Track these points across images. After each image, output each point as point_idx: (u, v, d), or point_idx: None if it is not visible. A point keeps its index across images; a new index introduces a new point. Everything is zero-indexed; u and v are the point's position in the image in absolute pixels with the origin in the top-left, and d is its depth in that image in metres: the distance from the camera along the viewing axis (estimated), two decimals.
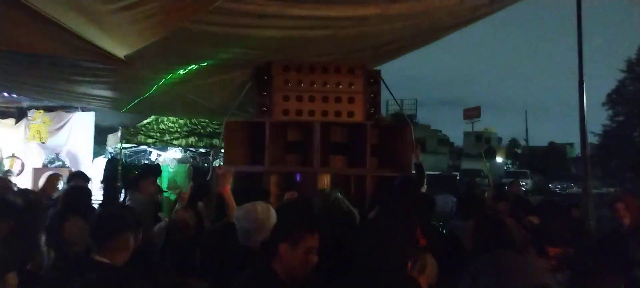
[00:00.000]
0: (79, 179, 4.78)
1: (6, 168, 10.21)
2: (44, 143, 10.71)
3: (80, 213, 3.42)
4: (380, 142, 5.91)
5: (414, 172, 5.62)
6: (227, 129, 5.79)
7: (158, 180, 6.31)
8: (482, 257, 2.33)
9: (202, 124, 10.21)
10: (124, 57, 3.83)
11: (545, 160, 46.63)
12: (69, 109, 10.68)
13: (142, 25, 3.00)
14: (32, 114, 10.64)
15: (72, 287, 2.37)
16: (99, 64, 4.28)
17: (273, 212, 3.26)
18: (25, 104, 10.41)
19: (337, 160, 5.91)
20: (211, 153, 6.43)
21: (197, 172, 8.25)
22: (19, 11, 2.82)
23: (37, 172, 9.71)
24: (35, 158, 10.73)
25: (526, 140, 58.26)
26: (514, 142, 63.22)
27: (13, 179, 9.70)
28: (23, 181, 9.59)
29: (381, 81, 5.95)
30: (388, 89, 6.00)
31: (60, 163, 10.50)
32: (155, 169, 5.56)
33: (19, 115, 10.95)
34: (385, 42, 5.58)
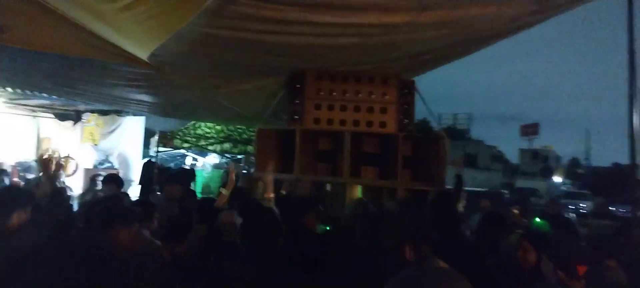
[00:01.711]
0: (112, 184, 4.92)
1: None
2: (96, 145, 11.19)
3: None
4: (414, 154, 5.75)
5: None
6: (259, 136, 5.83)
7: (192, 185, 6.42)
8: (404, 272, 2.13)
9: (239, 130, 10.35)
10: (150, 61, 3.91)
11: (608, 181, 44.03)
12: (121, 113, 11.11)
13: (147, 26, 3.05)
14: (86, 116, 11.15)
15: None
16: (131, 68, 4.41)
17: None
18: (81, 107, 10.92)
19: (368, 171, 5.80)
20: (242, 160, 6.49)
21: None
22: (43, 12, 2.93)
23: (87, 173, 10.16)
24: (87, 159, 11.23)
25: (587, 159, 55.38)
26: (574, 162, 60.22)
27: (65, 179, 10.24)
28: (74, 181, 10.06)
29: (416, 92, 5.79)
30: (422, 100, 5.84)
31: (109, 165, 10.93)
32: (186, 174, 5.65)
33: (76, 117, 11.51)
34: (420, 51, 5.43)
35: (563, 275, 2.80)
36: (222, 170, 10.78)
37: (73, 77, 5.22)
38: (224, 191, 4.23)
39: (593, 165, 53.21)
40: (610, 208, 27.47)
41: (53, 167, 3.94)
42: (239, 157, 11.01)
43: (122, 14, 2.97)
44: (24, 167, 10.13)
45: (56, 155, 4.45)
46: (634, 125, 5.18)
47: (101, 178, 5.33)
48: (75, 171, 11.07)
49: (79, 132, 11.40)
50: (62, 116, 11.50)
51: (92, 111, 11.15)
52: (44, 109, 11.08)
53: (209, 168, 10.68)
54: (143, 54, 3.72)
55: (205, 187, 9.71)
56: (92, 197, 4.55)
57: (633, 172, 5.58)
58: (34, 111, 11.14)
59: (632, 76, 5.28)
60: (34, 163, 10.43)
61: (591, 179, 46.63)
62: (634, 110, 5.26)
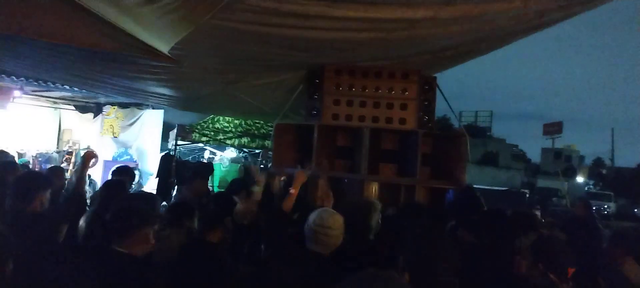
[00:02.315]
0: (123, 174, 4.95)
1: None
2: (116, 137, 11.34)
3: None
4: (434, 152, 5.65)
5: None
6: (277, 130, 5.79)
7: (210, 179, 6.44)
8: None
9: (257, 124, 10.34)
10: (170, 54, 3.90)
11: (632, 182, 43.08)
12: (140, 105, 11.23)
13: (168, 19, 3.02)
14: (106, 109, 11.30)
15: (89, 274, 2.42)
16: (151, 61, 4.40)
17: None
18: (102, 99, 11.07)
19: (386, 168, 5.71)
20: (260, 154, 6.47)
21: (247, 172, 8.33)
22: (64, 3, 2.92)
23: (106, 165, 10.30)
24: (107, 151, 11.38)
25: (612, 160, 54.23)
26: (598, 162, 59.03)
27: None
28: (94, 173, 10.19)
29: (437, 88, 5.69)
30: (444, 97, 5.73)
31: (128, 157, 11.06)
32: (207, 168, 5.66)
33: (97, 110, 11.67)
34: (442, 47, 5.33)
35: (554, 277, 2.79)
36: (239, 164, 10.79)
37: (94, 69, 5.25)
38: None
39: (617, 166, 52.07)
40: (634, 210, 26.89)
41: (88, 165, 4.02)
42: (257, 151, 11.01)
43: (144, 8, 2.94)
44: (44, 158, 10.31)
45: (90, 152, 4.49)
46: None
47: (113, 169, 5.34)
48: (95, 163, 11.21)
49: (99, 124, 11.57)
50: (83, 108, 11.68)
51: (112, 104, 11.30)
52: (65, 101, 11.27)
53: (227, 163, 10.70)
54: (164, 47, 3.70)
55: (223, 181, 9.73)
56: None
57: None
58: (55, 103, 11.34)
59: None
60: (55, 155, 10.60)
61: (615, 180, 45.69)
62: None
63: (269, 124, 10.22)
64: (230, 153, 11.50)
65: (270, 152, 5.95)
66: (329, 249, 2.98)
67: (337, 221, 3.09)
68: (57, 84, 8.02)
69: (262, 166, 9.36)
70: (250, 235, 4.07)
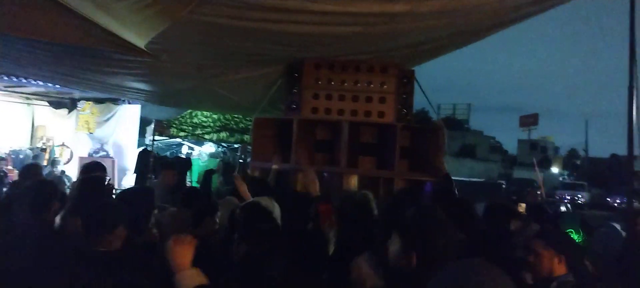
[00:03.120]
0: (97, 170, 4.87)
1: (56, 156, 10.68)
2: (92, 133, 11.13)
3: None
4: (412, 145, 5.71)
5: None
6: (256, 125, 5.77)
7: (188, 174, 6.39)
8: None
9: (235, 119, 10.29)
10: (148, 49, 3.85)
11: (606, 172, 44.17)
12: (116, 101, 11.04)
13: (145, 14, 2.98)
14: (81, 104, 11.07)
15: (78, 276, 2.40)
16: (127, 56, 4.34)
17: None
18: (76, 94, 10.84)
19: (365, 161, 5.75)
20: (239, 149, 6.44)
21: (227, 166, 8.28)
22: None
23: (82, 161, 10.11)
24: (82, 147, 11.17)
25: (585, 150, 55.48)
26: (572, 153, 60.32)
27: (62, 167, 10.19)
28: (70, 169, 10.02)
29: (415, 81, 5.74)
30: (422, 90, 5.79)
31: (104, 153, 10.87)
32: (178, 163, 5.62)
33: (71, 105, 11.42)
34: (420, 41, 5.37)
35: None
36: (218, 159, 10.72)
37: (69, 64, 5.15)
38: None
39: (591, 157, 53.29)
40: (607, 199, 27.59)
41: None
42: (236, 146, 10.95)
43: (120, 2, 2.90)
44: (17, 155, 10.07)
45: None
46: (633, 117, 5.16)
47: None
48: (70, 159, 11.02)
49: (74, 120, 11.33)
50: (57, 104, 11.42)
51: (88, 99, 11.07)
52: (38, 97, 11.00)
53: (206, 157, 10.63)
54: (141, 42, 3.66)
55: (201, 176, 9.67)
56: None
57: (630, 164, 5.58)
58: (28, 99, 11.06)
59: (632, 68, 5.25)
60: (28, 151, 10.37)
61: (589, 170, 46.77)
62: (634, 102, 5.25)
63: (247, 119, 10.18)
64: (209, 148, 11.42)
65: (249, 147, 5.91)
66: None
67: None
68: (30, 80, 7.84)
69: (240, 160, 9.31)
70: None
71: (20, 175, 5.39)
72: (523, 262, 2.95)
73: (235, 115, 10.52)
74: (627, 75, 5.42)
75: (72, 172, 9.94)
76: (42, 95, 10.90)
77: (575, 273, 2.83)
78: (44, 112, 11.52)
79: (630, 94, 5.29)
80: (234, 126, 10.30)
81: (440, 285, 1.39)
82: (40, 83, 8.27)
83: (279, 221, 3.35)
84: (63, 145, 11.05)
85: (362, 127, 5.68)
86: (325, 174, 5.61)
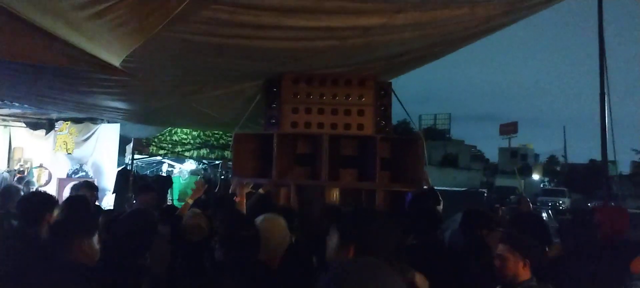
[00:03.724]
0: (85, 189, 4.82)
1: (33, 178, 10.49)
2: (70, 154, 10.97)
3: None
4: (392, 156, 5.75)
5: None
6: (236, 141, 5.75)
7: (169, 192, 6.34)
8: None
9: (216, 135, 10.26)
10: (123, 67, 3.83)
11: (585, 178, 44.94)
12: (95, 120, 10.92)
13: (119, 33, 2.98)
14: (59, 125, 10.92)
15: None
16: (102, 75, 4.31)
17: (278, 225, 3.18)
18: (54, 115, 10.70)
19: (347, 174, 5.77)
20: (220, 165, 6.42)
21: (208, 183, 8.25)
22: (10, 19, 2.84)
23: (61, 182, 9.96)
24: (61, 168, 11.00)
25: (565, 157, 56.42)
26: (552, 159, 61.30)
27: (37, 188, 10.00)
28: (49, 190, 9.84)
29: (392, 93, 5.80)
30: (399, 101, 5.86)
31: (83, 174, 10.72)
32: (161, 182, 5.57)
33: (49, 126, 11.25)
34: (396, 53, 5.44)
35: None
36: (198, 176, 10.67)
37: (43, 85, 5.09)
38: (189, 200, 4.26)
39: (570, 162, 54.18)
40: (588, 204, 28.03)
41: None
42: (216, 162, 10.90)
43: (93, 22, 2.89)
44: None
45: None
46: (606, 123, 5.31)
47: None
48: (48, 181, 10.84)
49: (51, 140, 11.16)
50: (34, 125, 11.22)
51: (65, 119, 10.92)
52: (15, 118, 10.82)
53: (186, 175, 10.54)
54: (116, 60, 3.64)
55: (182, 194, 9.59)
56: None
57: (605, 169, 5.71)
58: (5, 120, 10.87)
59: (602, 75, 5.41)
60: (6, 174, 10.18)
61: (569, 176, 47.54)
62: (606, 109, 5.40)
63: (228, 135, 10.13)
64: (190, 165, 11.34)
65: (229, 163, 5.89)
66: (271, 256, 2.95)
67: (276, 226, 3.09)
68: (5, 101, 7.71)
69: (222, 177, 9.27)
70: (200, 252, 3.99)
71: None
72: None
73: (215, 132, 10.48)
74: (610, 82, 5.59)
75: (52, 193, 9.77)
76: (18, 117, 10.72)
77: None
78: (21, 133, 11.33)
79: (602, 100, 5.46)
80: (214, 142, 10.26)
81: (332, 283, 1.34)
82: (16, 105, 8.14)
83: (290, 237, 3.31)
84: (41, 166, 10.86)
85: (343, 139, 5.71)
86: (306, 188, 5.62)
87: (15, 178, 10.40)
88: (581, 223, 4.11)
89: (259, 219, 3.15)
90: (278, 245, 3.01)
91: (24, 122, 11.06)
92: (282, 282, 2.81)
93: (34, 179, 10.58)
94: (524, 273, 2.83)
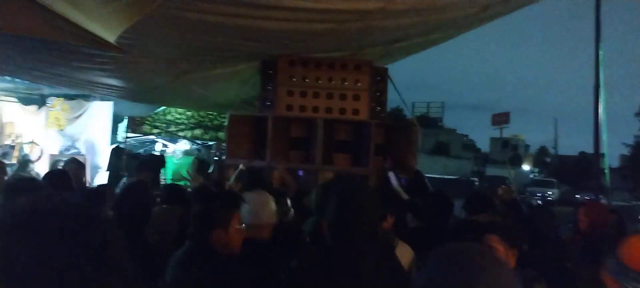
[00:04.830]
0: (72, 165, 4.78)
1: (26, 152, 10.40)
2: (62, 130, 10.86)
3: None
4: (386, 142, 5.76)
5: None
6: (231, 122, 5.74)
7: (162, 172, 6.31)
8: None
9: (210, 116, 10.20)
10: (118, 44, 3.79)
11: (575, 170, 45.38)
12: (88, 97, 10.79)
13: (114, 7, 2.94)
14: (51, 101, 10.79)
15: None
16: (96, 50, 4.26)
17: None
18: (46, 91, 10.57)
19: (340, 159, 5.78)
20: (214, 146, 6.40)
21: (201, 164, 8.23)
22: None
23: (52, 158, 9.86)
24: (53, 145, 10.89)
25: (555, 148, 56.89)
26: (543, 150, 61.77)
27: (32, 165, 9.92)
28: (40, 167, 9.76)
29: (388, 79, 5.79)
30: (395, 87, 5.85)
31: (76, 150, 10.61)
32: (155, 161, 5.52)
33: (41, 102, 11.13)
34: (393, 38, 5.43)
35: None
36: (192, 157, 10.62)
37: (36, 59, 5.02)
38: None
39: (560, 154, 54.64)
40: (576, 196, 28.35)
41: None
42: (210, 143, 10.86)
43: None
44: None
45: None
46: (599, 116, 5.35)
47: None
48: (40, 157, 10.73)
49: (43, 116, 11.03)
50: (26, 100, 11.10)
51: (58, 95, 10.78)
52: (6, 93, 10.68)
53: (180, 155, 10.48)
54: (111, 36, 3.59)
55: (176, 174, 9.54)
56: None
57: (597, 161, 5.76)
58: None
59: (598, 68, 5.43)
60: None
61: (558, 168, 47.97)
62: (599, 102, 5.43)
63: (222, 116, 10.07)
64: (183, 145, 11.28)
65: (223, 144, 5.87)
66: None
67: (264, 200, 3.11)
68: None
69: (216, 158, 9.25)
70: None
71: None
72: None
73: (210, 112, 10.41)
74: (593, 75, 5.62)
75: (43, 170, 9.70)
76: (10, 91, 10.59)
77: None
78: (12, 109, 11.18)
79: (596, 93, 5.49)
80: (209, 123, 10.20)
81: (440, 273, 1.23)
82: (8, 79, 8.04)
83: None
84: (33, 142, 10.74)
85: (337, 124, 5.71)
86: (300, 171, 5.63)
87: (3, 154, 10.30)
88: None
89: (249, 194, 3.16)
90: (268, 219, 3.03)
91: (16, 97, 10.93)
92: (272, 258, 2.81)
93: (24, 153, 10.47)
94: (511, 263, 2.86)
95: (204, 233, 2.37)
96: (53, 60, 4.99)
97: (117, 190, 4.38)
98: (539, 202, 22.73)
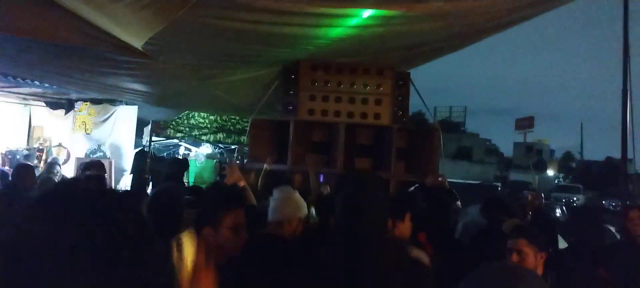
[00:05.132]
0: (95, 169, 4.87)
1: (53, 155, 10.66)
2: (89, 134, 11.11)
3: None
4: (408, 147, 5.74)
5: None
6: (253, 126, 5.80)
7: (185, 175, 6.41)
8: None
9: (232, 120, 10.32)
10: (145, 50, 3.87)
11: (601, 175, 44.33)
12: (114, 101, 11.03)
13: (141, 15, 3.01)
14: (78, 105, 11.06)
15: None
16: (124, 57, 4.36)
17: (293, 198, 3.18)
18: (73, 95, 10.82)
19: (362, 163, 5.78)
20: (236, 150, 6.47)
21: (223, 169, 8.35)
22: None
23: (79, 162, 10.10)
24: (80, 148, 11.15)
25: (581, 153, 55.67)
26: (567, 155, 60.53)
27: (59, 168, 10.17)
28: (67, 170, 10.00)
29: (411, 84, 5.78)
30: (417, 92, 5.83)
31: (101, 154, 10.86)
32: (182, 164, 5.63)
33: (68, 106, 11.39)
34: (415, 43, 5.41)
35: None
36: (215, 160, 10.74)
37: (65, 65, 5.16)
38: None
39: (586, 160, 53.44)
40: (602, 202, 27.68)
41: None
42: (232, 147, 10.98)
43: (116, 3, 2.93)
44: (14, 155, 10.07)
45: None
46: (627, 120, 5.24)
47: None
48: (67, 160, 11.00)
49: (71, 120, 11.31)
50: (54, 104, 11.38)
51: (85, 100, 11.05)
52: (35, 97, 10.98)
53: (202, 158, 10.62)
54: (137, 43, 3.68)
55: (198, 177, 9.68)
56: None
57: (624, 167, 5.63)
58: (25, 99, 11.04)
59: (626, 72, 5.32)
60: (25, 152, 10.36)
61: (584, 173, 46.92)
62: (628, 105, 5.32)
63: (244, 120, 10.18)
64: (206, 149, 11.43)
65: (245, 148, 5.93)
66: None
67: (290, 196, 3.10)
68: (27, 80, 7.84)
69: (237, 162, 9.35)
70: None
71: (15, 175, 5.34)
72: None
73: (232, 117, 10.52)
74: (621, 78, 5.50)
75: (69, 172, 9.94)
76: (38, 96, 10.87)
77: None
78: (40, 113, 11.50)
79: (624, 97, 5.38)
80: (231, 127, 10.32)
81: None
82: (37, 83, 8.27)
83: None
84: (60, 145, 11.03)
85: (359, 128, 5.71)
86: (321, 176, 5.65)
87: (36, 157, 10.59)
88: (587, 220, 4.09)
89: (275, 191, 3.18)
90: (292, 215, 3.03)
91: (44, 102, 11.23)
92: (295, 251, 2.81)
93: (53, 156, 10.74)
94: (540, 268, 2.82)
95: (197, 231, 2.29)
96: (82, 66, 5.13)
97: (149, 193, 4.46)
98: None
